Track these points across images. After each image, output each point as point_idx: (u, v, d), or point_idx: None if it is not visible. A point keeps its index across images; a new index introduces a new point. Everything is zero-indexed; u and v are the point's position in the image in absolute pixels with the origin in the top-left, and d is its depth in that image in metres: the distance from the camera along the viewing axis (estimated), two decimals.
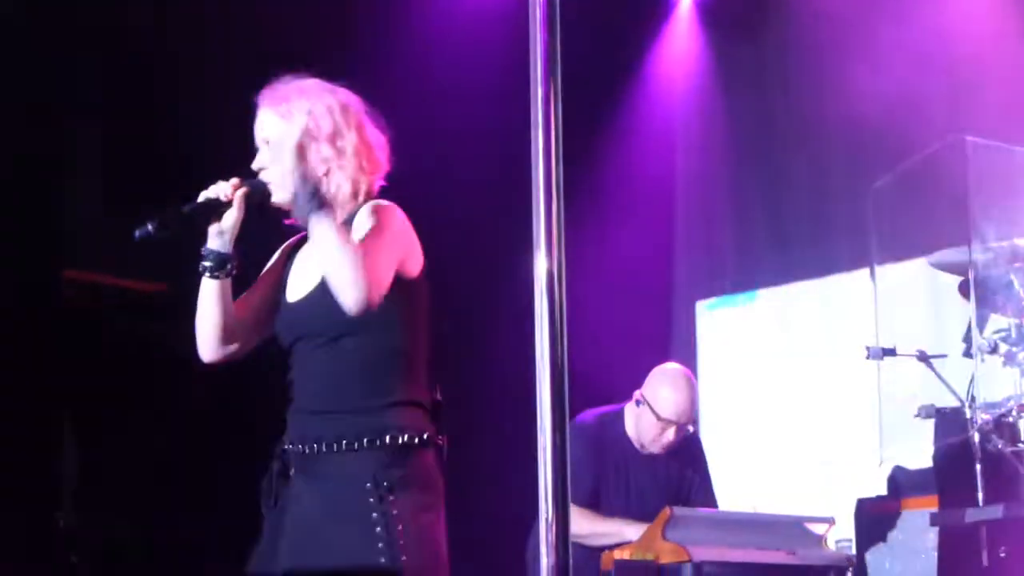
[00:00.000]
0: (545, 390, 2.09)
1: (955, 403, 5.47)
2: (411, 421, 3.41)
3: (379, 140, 3.60)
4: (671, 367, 5.65)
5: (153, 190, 5.84)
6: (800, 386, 8.01)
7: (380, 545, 3.28)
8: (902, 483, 6.00)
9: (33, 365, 5.55)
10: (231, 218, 3.40)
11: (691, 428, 5.59)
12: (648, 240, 8.17)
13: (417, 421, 3.42)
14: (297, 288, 3.52)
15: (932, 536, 5.61)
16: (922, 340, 5.78)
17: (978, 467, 5.17)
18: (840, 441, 7.47)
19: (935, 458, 5.74)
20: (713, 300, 8.48)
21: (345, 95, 3.59)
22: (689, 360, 7.83)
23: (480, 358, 6.67)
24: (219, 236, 3.41)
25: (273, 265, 3.66)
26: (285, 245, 3.68)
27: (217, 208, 3.39)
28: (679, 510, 5.03)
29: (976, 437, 5.18)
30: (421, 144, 6.04)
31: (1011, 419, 5.10)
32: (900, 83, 6.97)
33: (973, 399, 5.28)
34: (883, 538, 5.84)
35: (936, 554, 5.56)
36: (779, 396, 8.08)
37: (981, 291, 5.28)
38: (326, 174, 3.47)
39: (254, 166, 3.51)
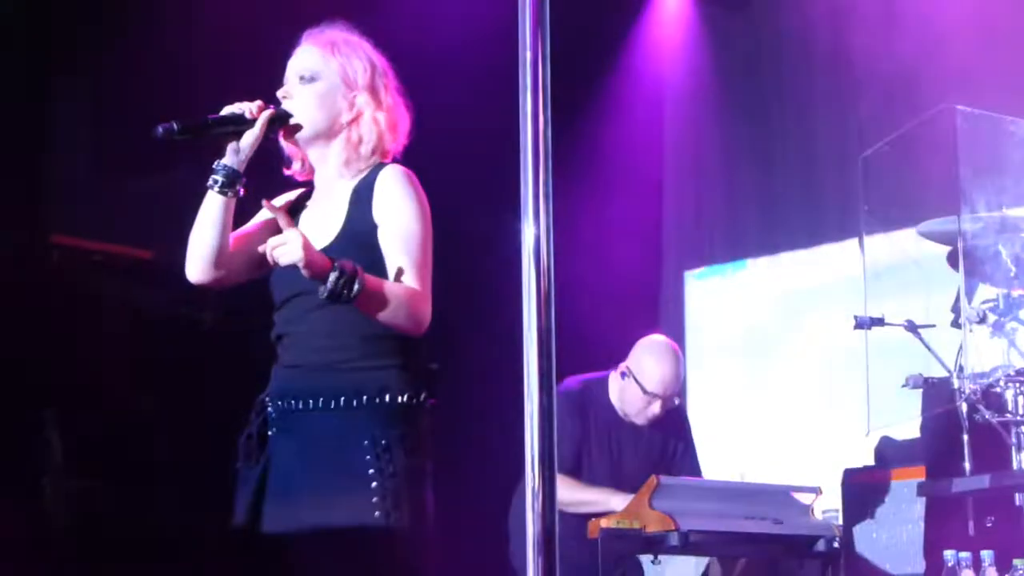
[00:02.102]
0: (532, 357, 2.08)
1: (943, 373, 5.47)
2: (410, 383, 3.41)
3: (404, 114, 3.63)
4: (657, 339, 5.66)
5: (141, 155, 5.85)
6: (788, 356, 8.03)
7: (375, 500, 3.29)
8: (889, 453, 6.01)
9: (18, 329, 5.53)
10: (250, 137, 3.41)
11: (676, 401, 5.60)
12: (637, 209, 8.18)
13: (415, 384, 3.42)
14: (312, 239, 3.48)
15: (919, 506, 5.62)
16: (910, 310, 5.78)
17: (965, 437, 5.18)
18: (827, 411, 7.49)
19: (922, 428, 5.75)
20: (702, 269, 8.49)
21: (385, 63, 3.62)
22: (677, 330, 7.86)
23: (468, 325, 6.67)
24: (235, 153, 3.42)
25: (259, 215, 3.66)
26: (288, 197, 3.69)
27: (239, 124, 3.40)
28: (665, 479, 5.05)
29: (964, 407, 5.19)
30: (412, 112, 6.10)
31: (998, 389, 5.10)
32: (891, 53, 6.98)
33: (961, 369, 5.28)
34: (870, 508, 5.85)
35: (923, 524, 5.57)
36: (767, 366, 8.10)
37: (970, 261, 5.28)
38: (353, 121, 3.51)
39: (280, 93, 3.52)
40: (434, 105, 6.33)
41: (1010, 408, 5.07)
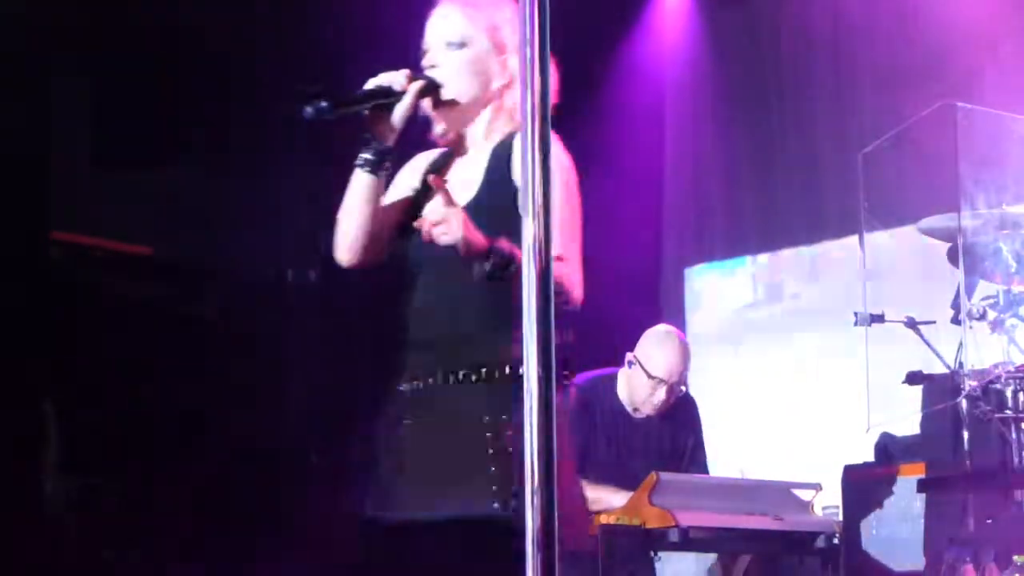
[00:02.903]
0: (532, 355, 2.08)
1: (943, 369, 5.48)
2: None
3: (553, 72, 3.20)
4: (662, 328, 5.72)
5: (141, 152, 5.85)
6: (788, 352, 8.03)
7: (493, 488, 3.03)
8: (890, 449, 6.02)
9: (18, 326, 5.53)
10: (401, 111, 3.18)
11: (684, 388, 5.62)
12: (637, 206, 8.17)
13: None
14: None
15: (919, 503, 5.63)
16: (911, 306, 5.79)
17: (965, 433, 5.19)
18: (828, 407, 7.49)
19: (922, 425, 5.76)
20: (702, 266, 8.49)
21: None
22: (678, 326, 7.85)
23: None
24: (384, 127, 3.19)
25: (403, 181, 3.42)
26: (421, 162, 3.46)
27: (388, 97, 3.18)
28: (665, 475, 5.05)
29: (964, 403, 5.20)
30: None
31: (999, 385, 5.11)
32: (891, 49, 6.98)
33: (961, 365, 5.29)
34: (870, 504, 5.86)
35: (923, 521, 5.58)
36: (767, 362, 8.10)
37: (970, 258, 5.29)
38: (507, 87, 3.28)
39: (426, 62, 3.29)
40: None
41: (1010, 404, 5.08)
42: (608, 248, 7.52)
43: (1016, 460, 5.03)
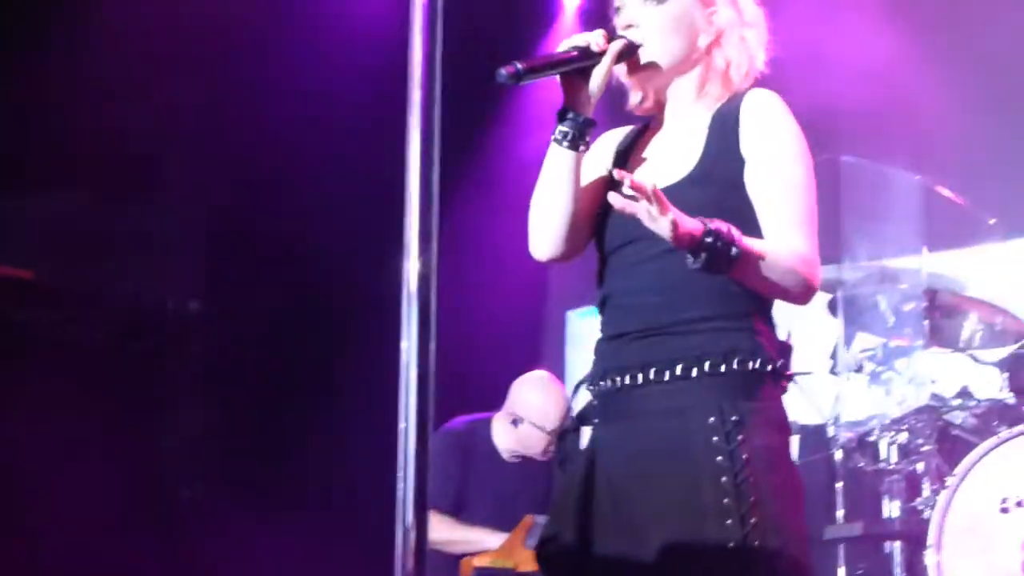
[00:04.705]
0: (411, 395, 2.04)
1: (819, 420, 5.53)
2: (764, 345, 2.72)
3: (766, 25, 2.95)
4: (540, 375, 5.63)
5: (20, 171, 5.72)
6: None
7: (726, 501, 2.57)
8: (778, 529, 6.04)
9: None
10: (600, 75, 2.75)
11: None
12: (523, 247, 8.15)
13: (771, 347, 2.74)
14: (653, 179, 2.73)
15: None
16: (796, 355, 5.82)
17: (839, 485, 5.23)
18: None
19: (800, 471, 5.80)
20: (583, 309, 8.49)
21: None
22: (558, 368, 7.84)
23: (350, 358, 6.62)
24: (582, 96, 2.77)
25: (597, 157, 2.97)
26: (611, 135, 3.06)
27: (585, 60, 2.75)
28: (540, 518, 5.02)
29: (838, 455, 5.24)
30: (298, 143, 6.01)
31: (873, 438, 5.17)
32: (768, 82, 6.97)
33: (837, 417, 5.33)
34: None
35: None
36: None
37: (849, 310, 5.35)
38: (716, 44, 2.85)
39: (620, 22, 2.85)
40: (324, 141, 6.28)
41: (883, 457, 5.13)
42: (492, 288, 7.53)
43: (887, 512, 5.07)
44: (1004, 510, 4.55)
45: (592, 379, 2.85)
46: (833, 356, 5.42)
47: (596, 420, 2.83)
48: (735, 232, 2.56)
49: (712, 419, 2.62)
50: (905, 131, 6.02)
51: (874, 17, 6.94)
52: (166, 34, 5.93)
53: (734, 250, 2.54)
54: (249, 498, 5.70)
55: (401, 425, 2.02)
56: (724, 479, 2.56)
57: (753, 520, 2.55)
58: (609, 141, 3.00)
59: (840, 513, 5.23)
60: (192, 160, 5.91)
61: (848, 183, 5.35)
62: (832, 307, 5.42)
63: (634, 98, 2.92)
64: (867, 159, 5.51)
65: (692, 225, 2.52)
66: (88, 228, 5.86)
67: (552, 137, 2.80)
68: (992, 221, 5.57)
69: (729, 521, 2.54)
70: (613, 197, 2.55)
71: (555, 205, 2.84)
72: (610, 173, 2.80)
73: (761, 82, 2.89)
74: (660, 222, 2.49)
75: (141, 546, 5.61)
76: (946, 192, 5.47)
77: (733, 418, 2.62)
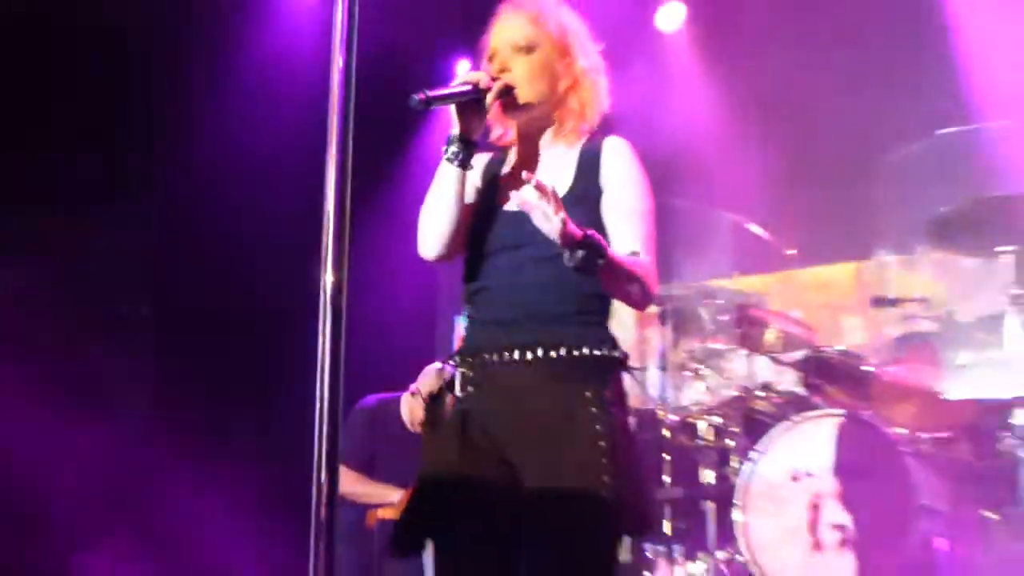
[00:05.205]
0: (325, 379, 1.98)
1: (651, 406, 5.54)
2: (615, 338, 2.71)
3: (606, 75, 2.91)
4: (438, 365, 5.59)
5: None
6: None
7: (604, 461, 2.54)
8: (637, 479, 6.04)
9: None
10: (486, 107, 2.70)
11: None
12: (423, 261, 8.06)
13: (615, 340, 2.72)
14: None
15: None
16: (632, 354, 5.83)
17: (666, 457, 5.24)
18: None
19: None
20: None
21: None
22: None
23: (278, 350, 6.52)
24: (474, 123, 2.71)
25: (470, 176, 2.83)
26: (478, 159, 2.90)
27: (476, 94, 2.68)
28: None
29: (666, 433, 5.25)
30: (234, 171, 5.87)
31: (693, 420, 5.18)
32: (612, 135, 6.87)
33: (665, 403, 5.35)
34: None
35: None
36: None
37: (676, 319, 5.38)
38: (572, 89, 2.80)
39: (495, 67, 2.78)
40: (247, 159, 6.10)
41: (701, 435, 5.14)
42: (396, 294, 7.47)
43: (703, 479, 5.09)
44: (795, 479, 4.57)
45: (469, 354, 2.73)
46: (663, 355, 5.44)
47: (470, 388, 2.71)
48: (604, 242, 2.55)
49: (588, 394, 2.59)
50: (722, 179, 6.08)
51: (698, 86, 7.00)
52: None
53: (603, 256, 2.52)
54: (199, 461, 5.61)
55: (318, 403, 1.98)
56: (602, 443, 2.54)
57: (620, 474, 2.54)
58: (477, 164, 2.90)
59: (667, 479, 5.23)
60: (142, 184, 5.75)
61: (678, 220, 5.37)
62: (663, 317, 5.45)
63: (496, 131, 2.88)
64: (692, 201, 5.54)
65: (575, 229, 2.50)
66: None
67: (444, 157, 2.73)
68: (790, 252, 5.64)
69: (605, 477, 2.51)
70: (516, 196, 2.50)
71: (443, 214, 2.75)
72: (481, 189, 2.83)
73: (609, 131, 2.85)
74: (553, 220, 2.46)
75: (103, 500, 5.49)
76: (754, 228, 5.52)
77: (605, 394, 2.61)
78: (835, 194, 5.88)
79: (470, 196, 2.81)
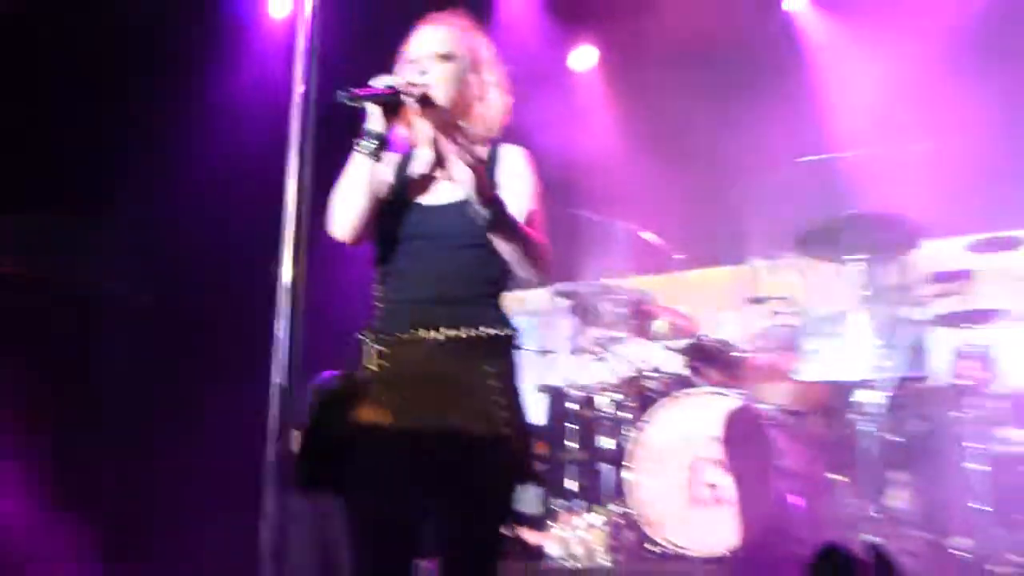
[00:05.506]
0: (283, 358, 2.00)
1: (561, 383, 5.58)
2: (510, 321, 2.63)
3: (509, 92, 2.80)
4: None
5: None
6: None
7: (504, 414, 2.50)
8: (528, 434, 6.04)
9: None
10: (410, 107, 2.58)
11: None
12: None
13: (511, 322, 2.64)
14: (436, 195, 2.67)
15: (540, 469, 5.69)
16: (546, 340, 5.88)
17: (572, 426, 5.26)
18: None
19: (546, 418, 5.84)
20: None
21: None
22: None
23: (241, 334, 6.42)
24: (389, 121, 2.58)
25: (380, 170, 2.70)
26: (393, 157, 2.77)
27: (395, 96, 2.56)
28: None
29: (572, 406, 5.28)
30: (209, 180, 5.74)
31: (594, 395, 5.21)
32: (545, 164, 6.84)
33: (572, 381, 5.40)
34: None
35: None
36: None
37: (582, 311, 5.37)
38: (479, 98, 2.70)
39: (415, 70, 2.64)
40: (215, 162, 5.86)
41: (601, 408, 5.17)
42: (347, 288, 7.43)
43: (599, 444, 5.10)
44: (677, 445, 4.60)
45: (381, 330, 2.61)
46: (571, 342, 5.47)
47: (382, 362, 2.58)
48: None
49: (489, 368, 2.53)
50: (622, 194, 6.01)
51: (603, 116, 7.05)
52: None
53: (506, 212, 2.50)
54: (171, 428, 5.55)
55: (274, 380, 1.99)
56: (504, 414, 2.52)
57: (515, 435, 2.52)
58: (388, 160, 2.76)
59: (572, 445, 5.25)
60: (131, 189, 5.61)
61: (583, 228, 5.40)
62: (572, 310, 5.47)
63: (401, 131, 2.73)
64: (596, 212, 5.54)
65: (491, 185, 2.49)
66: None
67: (357, 149, 2.59)
68: (677, 256, 5.70)
69: (506, 429, 2.50)
70: (452, 156, 2.47)
71: (354, 201, 2.61)
72: (394, 184, 2.70)
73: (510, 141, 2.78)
74: (475, 169, 2.43)
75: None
76: (647, 236, 5.53)
77: (503, 367, 2.56)
78: (715, 209, 5.89)
79: (382, 190, 2.69)
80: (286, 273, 2.03)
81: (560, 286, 5.53)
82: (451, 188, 2.63)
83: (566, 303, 5.51)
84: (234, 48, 6.27)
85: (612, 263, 5.49)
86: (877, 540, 4.01)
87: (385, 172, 2.73)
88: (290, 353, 2.01)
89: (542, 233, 2.62)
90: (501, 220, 2.50)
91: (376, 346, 2.61)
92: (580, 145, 6.62)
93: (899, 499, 4.55)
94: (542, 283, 2.64)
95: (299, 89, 2.06)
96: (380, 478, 2.50)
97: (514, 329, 2.62)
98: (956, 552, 4.22)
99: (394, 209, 2.67)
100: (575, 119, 6.81)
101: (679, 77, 6.31)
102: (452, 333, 2.55)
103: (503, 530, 2.52)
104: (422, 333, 2.56)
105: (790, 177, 4.83)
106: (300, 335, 2.03)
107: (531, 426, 2.60)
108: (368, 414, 2.54)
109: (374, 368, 2.60)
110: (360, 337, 2.63)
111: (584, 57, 7.25)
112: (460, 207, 2.56)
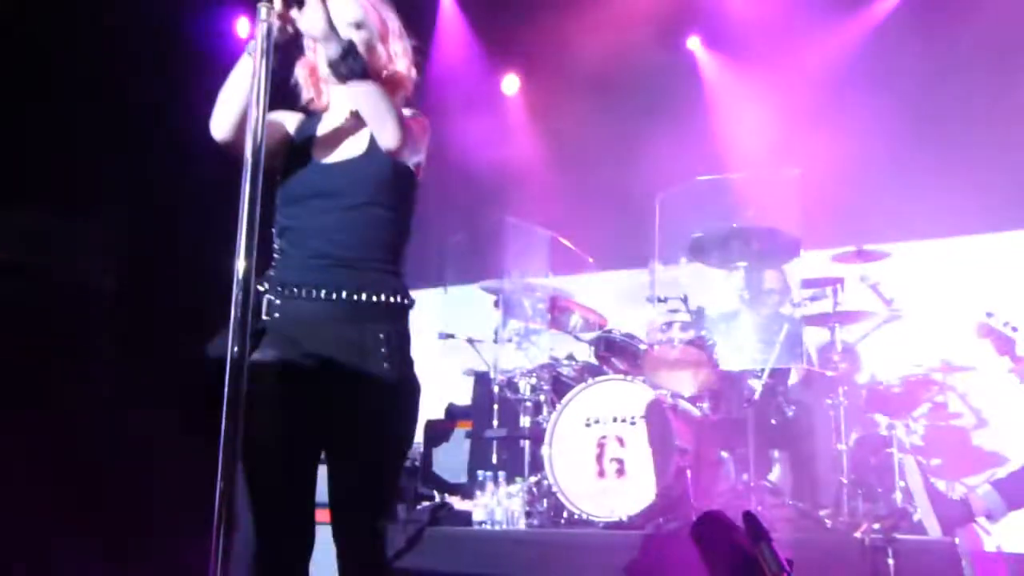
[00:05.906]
0: (234, 343, 1.87)
1: (486, 369, 5.53)
2: (405, 287, 2.42)
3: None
4: None
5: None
6: None
7: (386, 366, 2.29)
8: (455, 412, 6.02)
9: None
10: (309, 15, 2.25)
11: None
12: None
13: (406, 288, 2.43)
14: (336, 153, 2.44)
15: (467, 444, 5.65)
16: (474, 330, 5.83)
17: (496, 406, 5.24)
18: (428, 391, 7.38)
19: (473, 399, 5.80)
20: None
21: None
22: None
23: (200, 322, 6.22)
24: (284, 22, 2.23)
25: (284, 119, 2.52)
26: (290, 113, 2.55)
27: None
28: None
29: (496, 389, 5.25)
30: (174, 186, 5.56)
31: (516, 380, 5.18)
32: (467, 168, 6.69)
33: (496, 367, 5.35)
34: (439, 443, 5.85)
35: (468, 455, 5.60)
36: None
37: (506, 306, 5.37)
38: (385, 66, 2.47)
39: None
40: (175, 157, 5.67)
41: (521, 391, 5.15)
42: None
43: (521, 423, 5.08)
44: (587, 425, 4.59)
45: (277, 283, 2.37)
46: (496, 332, 5.44)
47: (275, 314, 2.35)
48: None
49: (382, 335, 2.32)
50: (542, 203, 6.11)
51: (527, 134, 7.02)
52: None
53: (362, 62, 2.29)
54: (142, 393, 5.25)
55: (228, 361, 1.87)
56: (394, 372, 2.31)
57: (403, 385, 2.34)
58: (293, 120, 2.55)
59: (496, 423, 5.22)
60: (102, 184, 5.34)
61: (509, 233, 5.37)
62: (497, 304, 5.43)
63: (307, 94, 2.54)
64: (520, 219, 5.53)
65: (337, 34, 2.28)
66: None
67: (247, 52, 2.31)
68: (591, 259, 5.68)
69: (386, 365, 2.30)
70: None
71: (234, 101, 2.34)
72: (298, 143, 2.48)
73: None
74: (318, 23, 2.25)
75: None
76: (564, 241, 5.53)
77: (395, 334, 2.34)
78: (623, 218, 5.92)
79: (287, 149, 2.47)
80: (240, 267, 1.91)
81: (486, 283, 5.49)
82: (351, 145, 2.44)
83: (492, 298, 5.48)
84: (199, 64, 6.03)
85: (533, 264, 5.46)
86: (755, 509, 4.00)
87: (292, 133, 2.50)
88: (240, 338, 1.90)
89: (413, 122, 2.37)
90: (357, 65, 2.27)
91: (269, 296, 2.36)
92: (509, 159, 6.60)
93: (777, 474, 4.59)
94: (399, 154, 2.35)
95: (255, 114, 1.95)
96: (267, 425, 2.25)
97: (411, 300, 2.42)
98: (826, 520, 4.23)
99: (296, 166, 2.44)
100: (505, 137, 6.80)
101: (594, 104, 6.41)
102: (351, 296, 2.33)
103: (393, 482, 2.34)
104: (313, 294, 2.33)
105: (688, 193, 4.80)
106: (249, 325, 1.93)
107: (418, 384, 2.41)
108: (258, 364, 2.24)
109: (266, 318, 2.35)
110: (256, 287, 2.32)
111: (511, 83, 7.34)
112: (358, 162, 2.38)
